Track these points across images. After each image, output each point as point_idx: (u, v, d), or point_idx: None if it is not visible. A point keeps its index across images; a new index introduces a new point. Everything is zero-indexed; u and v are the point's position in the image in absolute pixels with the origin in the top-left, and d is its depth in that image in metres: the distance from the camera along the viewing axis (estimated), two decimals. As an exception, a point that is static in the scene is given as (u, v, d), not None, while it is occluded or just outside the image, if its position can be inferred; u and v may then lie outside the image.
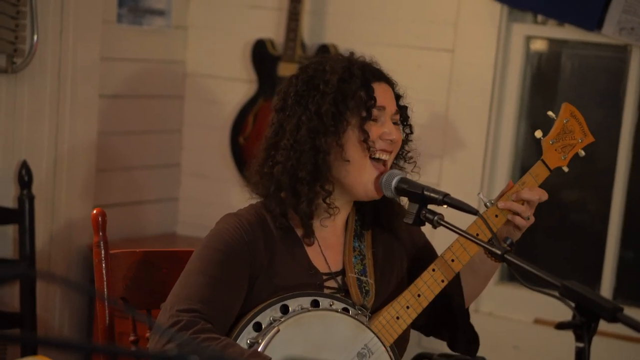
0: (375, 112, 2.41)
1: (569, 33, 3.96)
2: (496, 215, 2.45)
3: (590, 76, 4.12)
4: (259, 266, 2.35)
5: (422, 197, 2.33)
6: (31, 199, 3.79)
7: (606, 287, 3.94)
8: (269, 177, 2.44)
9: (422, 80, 4.11)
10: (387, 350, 2.39)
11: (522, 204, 2.44)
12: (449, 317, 2.58)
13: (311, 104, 2.40)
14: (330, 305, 2.36)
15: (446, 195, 2.30)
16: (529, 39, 4.07)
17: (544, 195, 2.45)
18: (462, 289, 2.56)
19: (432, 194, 2.32)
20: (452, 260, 2.44)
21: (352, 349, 2.35)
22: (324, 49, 4.24)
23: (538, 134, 2.52)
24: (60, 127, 4.02)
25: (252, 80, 4.45)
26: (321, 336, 2.33)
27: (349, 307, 2.39)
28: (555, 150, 2.52)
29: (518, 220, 2.44)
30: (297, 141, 2.40)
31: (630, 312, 3.75)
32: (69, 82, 4.03)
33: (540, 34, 4.08)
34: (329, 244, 2.47)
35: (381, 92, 2.44)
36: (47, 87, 3.96)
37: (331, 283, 2.44)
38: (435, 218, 2.29)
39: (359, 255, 2.49)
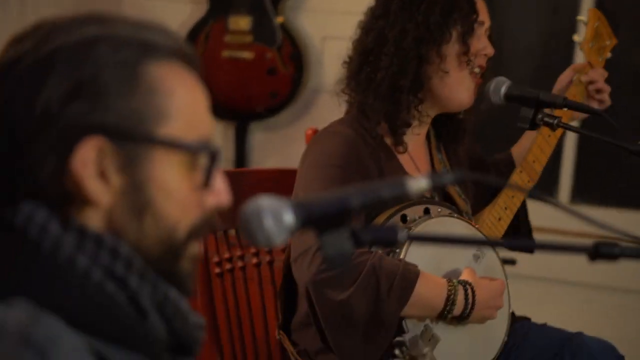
0: (475, 26, 2.46)
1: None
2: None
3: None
4: (371, 179, 2.38)
5: (538, 101, 2.44)
6: None
7: (565, 189, 4.20)
8: (366, 83, 2.46)
9: None
10: (495, 251, 2.51)
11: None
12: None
13: (417, 12, 2.42)
14: (439, 212, 2.44)
15: (565, 98, 2.43)
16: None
17: (605, 73, 2.66)
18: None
19: (550, 98, 2.43)
20: (534, 162, 2.59)
21: (468, 250, 2.45)
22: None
23: (576, 38, 2.70)
24: None
25: (198, 1, 4.39)
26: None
27: (454, 213, 2.48)
28: (594, 52, 2.70)
29: (602, 95, 2.63)
30: (402, 48, 2.41)
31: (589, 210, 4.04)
32: None
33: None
34: (417, 155, 2.54)
35: (481, 6, 2.50)
36: None
37: (428, 192, 2.52)
38: (556, 121, 2.42)
39: (444, 167, 2.58)
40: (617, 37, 2.73)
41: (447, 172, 1.23)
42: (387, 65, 2.43)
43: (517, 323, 2.60)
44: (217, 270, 2.60)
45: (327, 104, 4.14)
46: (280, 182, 2.66)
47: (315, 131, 2.90)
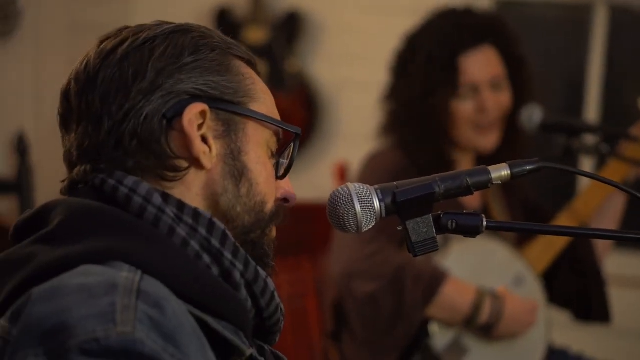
0: (461, 91, 2.51)
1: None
2: None
3: (554, 37, 4.36)
4: None
5: (572, 129, 2.47)
6: (29, 169, 3.68)
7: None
8: (399, 128, 2.59)
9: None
10: (538, 279, 2.53)
11: None
12: (578, 279, 2.64)
13: (404, 83, 2.53)
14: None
15: (602, 125, 2.47)
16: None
17: None
18: (590, 241, 2.60)
19: (586, 126, 2.47)
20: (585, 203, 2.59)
21: (507, 274, 2.47)
22: (291, 17, 4.29)
23: None
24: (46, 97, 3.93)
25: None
26: (480, 260, 2.47)
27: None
28: None
29: None
30: (397, 112, 2.57)
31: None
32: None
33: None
34: None
35: (474, 63, 2.51)
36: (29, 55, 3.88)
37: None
38: (595, 145, 2.43)
39: (496, 198, 2.62)
40: None
41: (527, 162, 1.25)
42: (392, 121, 2.59)
43: (554, 354, 2.61)
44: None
45: (340, 148, 4.18)
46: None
47: (342, 166, 2.95)
